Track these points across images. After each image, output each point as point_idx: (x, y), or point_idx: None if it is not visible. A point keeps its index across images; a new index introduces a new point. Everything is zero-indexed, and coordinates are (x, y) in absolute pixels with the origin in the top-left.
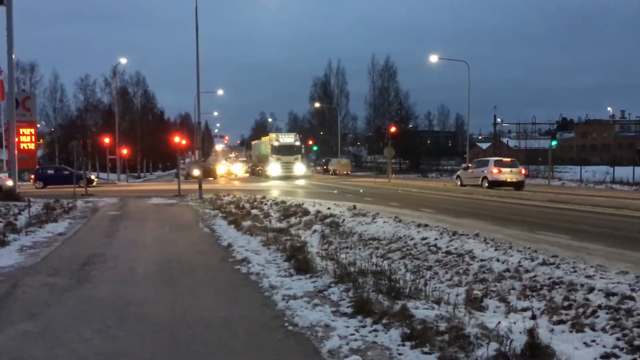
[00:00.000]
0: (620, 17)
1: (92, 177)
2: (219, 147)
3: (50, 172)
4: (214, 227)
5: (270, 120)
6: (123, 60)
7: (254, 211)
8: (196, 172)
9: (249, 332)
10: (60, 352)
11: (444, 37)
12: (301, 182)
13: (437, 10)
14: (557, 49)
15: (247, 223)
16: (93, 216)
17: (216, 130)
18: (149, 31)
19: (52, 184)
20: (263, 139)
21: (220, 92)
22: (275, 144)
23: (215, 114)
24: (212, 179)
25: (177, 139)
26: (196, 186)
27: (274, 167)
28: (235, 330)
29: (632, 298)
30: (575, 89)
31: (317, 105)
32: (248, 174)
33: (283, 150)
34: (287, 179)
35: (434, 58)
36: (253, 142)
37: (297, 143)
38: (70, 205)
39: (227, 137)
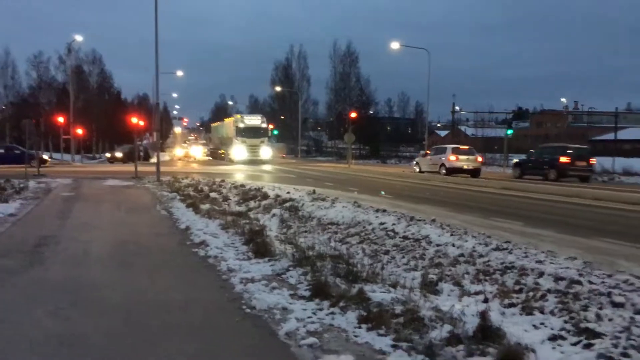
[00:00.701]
0: (577, 9)
1: (45, 157)
2: (177, 129)
3: (0, 151)
4: (171, 209)
5: (230, 103)
6: (78, 38)
7: (212, 194)
8: (118, 154)
9: (206, 314)
10: (10, 334)
11: (406, 24)
12: (267, 167)
13: None
14: (515, 39)
15: (205, 206)
16: (46, 197)
17: (175, 112)
18: (105, 7)
19: (1, 163)
20: (226, 120)
21: (179, 73)
22: (241, 125)
23: (175, 95)
24: (145, 162)
25: (134, 120)
26: (154, 168)
27: (238, 150)
28: (192, 312)
29: (579, 282)
30: (531, 79)
31: (278, 89)
32: (209, 157)
33: (248, 133)
34: (253, 163)
35: (395, 45)
36: (213, 125)
37: (264, 125)
38: (21, 185)
39: (186, 119)
